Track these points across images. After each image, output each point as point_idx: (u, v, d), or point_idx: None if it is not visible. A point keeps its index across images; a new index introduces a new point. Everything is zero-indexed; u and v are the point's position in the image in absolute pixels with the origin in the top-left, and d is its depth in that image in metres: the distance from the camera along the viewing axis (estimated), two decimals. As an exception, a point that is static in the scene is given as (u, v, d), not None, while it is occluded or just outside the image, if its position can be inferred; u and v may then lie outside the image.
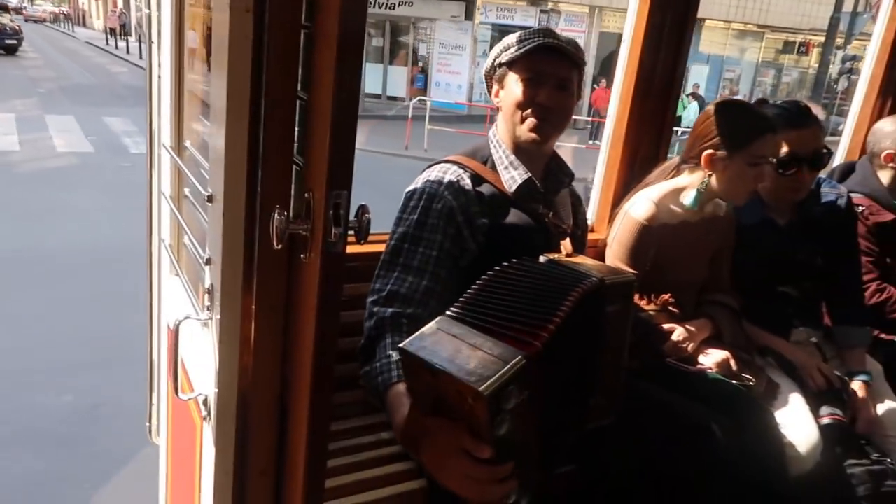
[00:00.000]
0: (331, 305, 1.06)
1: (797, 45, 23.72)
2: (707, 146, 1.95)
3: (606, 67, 18.72)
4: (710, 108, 2.02)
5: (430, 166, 1.75)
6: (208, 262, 1.17)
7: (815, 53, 22.57)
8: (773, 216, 2.24)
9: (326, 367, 1.10)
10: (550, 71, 1.66)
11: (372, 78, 20.02)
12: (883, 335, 2.48)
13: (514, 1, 19.99)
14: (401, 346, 1.14)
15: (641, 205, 2.01)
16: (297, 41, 1.04)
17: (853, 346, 2.26)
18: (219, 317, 1.14)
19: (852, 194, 2.45)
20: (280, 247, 1.05)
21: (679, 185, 2.06)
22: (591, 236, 2.36)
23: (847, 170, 2.71)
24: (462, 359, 1.11)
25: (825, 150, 2.12)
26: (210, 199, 1.13)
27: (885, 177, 2.59)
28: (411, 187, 1.69)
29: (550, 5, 20.06)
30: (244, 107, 1.01)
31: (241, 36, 0.99)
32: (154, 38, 1.69)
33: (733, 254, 2.20)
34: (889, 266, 2.56)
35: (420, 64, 20.38)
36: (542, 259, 1.55)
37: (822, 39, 18.28)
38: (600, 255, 2.22)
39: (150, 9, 1.66)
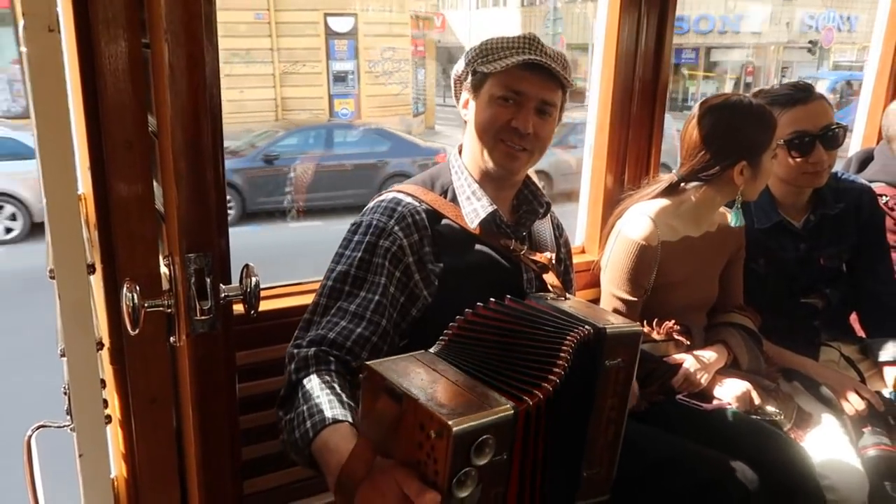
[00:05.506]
0: (212, 399, 0.81)
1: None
2: (725, 163, 1.73)
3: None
4: (696, 116, 1.77)
5: (380, 194, 1.50)
6: (63, 353, 0.92)
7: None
8: (787, 217, 1.99)
9: (214, 471, 0.84)
10: (532, 92, 1.40)
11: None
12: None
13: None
14: (367, 363, 0.97)
15: (637, 222, 1.77)
16: (139, 57, 0.79)
17: (894, 359, 2.00)
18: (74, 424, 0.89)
19: (874, 184, 2.20)
20: (137, 331, 0.79)
21: (683, 202, 1.82)
22: (582, 258, 2.11)
23: (865, 159, 2.46)
24: (437, 390, 0.94)
25: (837, 126, 1.89)
26: (52, 274, 0.88)
27: (907, 162, 2.31)
28: (357, 219, 1.44)
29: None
30: (65, 146, 0.74)
31: (47, 59, 0.75)
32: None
33: (745, 266, 1.97)
34: (925, 263, 2.28)
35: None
36: (531, 300, 1.33)
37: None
38: (594, 280, 1.99)
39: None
